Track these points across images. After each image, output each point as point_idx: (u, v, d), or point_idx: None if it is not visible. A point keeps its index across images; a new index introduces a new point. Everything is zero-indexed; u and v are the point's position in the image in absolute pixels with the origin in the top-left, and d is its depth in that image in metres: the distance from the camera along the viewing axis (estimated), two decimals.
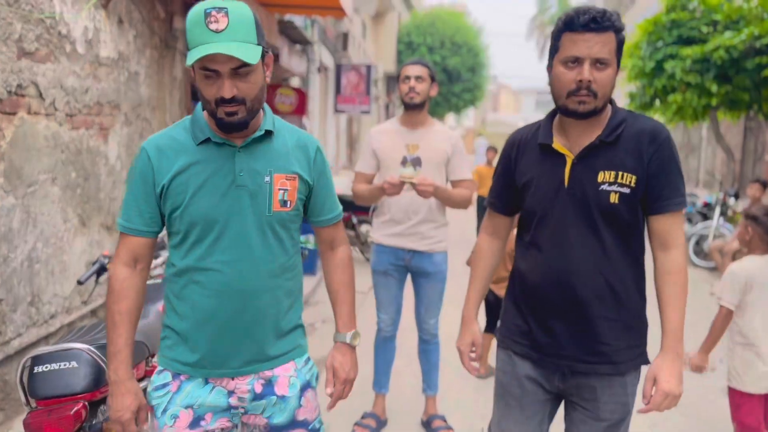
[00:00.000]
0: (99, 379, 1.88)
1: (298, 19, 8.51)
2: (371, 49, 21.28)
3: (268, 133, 1.55)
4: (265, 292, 1.56)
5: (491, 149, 8.35)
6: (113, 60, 3.69)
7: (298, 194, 1.58)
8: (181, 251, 1.54)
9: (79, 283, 2.44)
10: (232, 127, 1.46)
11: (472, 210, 8.19)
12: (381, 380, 3.17)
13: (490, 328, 3.86)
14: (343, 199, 7.17)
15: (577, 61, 1.52)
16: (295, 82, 9.16)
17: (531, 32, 45.94)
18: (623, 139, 1.59)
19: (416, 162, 2.94)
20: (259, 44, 1.44)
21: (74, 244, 3.35)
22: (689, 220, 8.36)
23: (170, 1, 4.48)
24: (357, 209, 6.54)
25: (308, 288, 5.46)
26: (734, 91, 8.83)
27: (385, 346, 3.12)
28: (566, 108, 1.58)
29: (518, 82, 54.34)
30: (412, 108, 2.93)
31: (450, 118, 30.94)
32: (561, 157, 1.63)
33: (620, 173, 1.58)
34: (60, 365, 1.85)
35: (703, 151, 16.93)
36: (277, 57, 6.52)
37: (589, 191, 1.59)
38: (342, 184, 9.27)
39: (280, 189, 1.55)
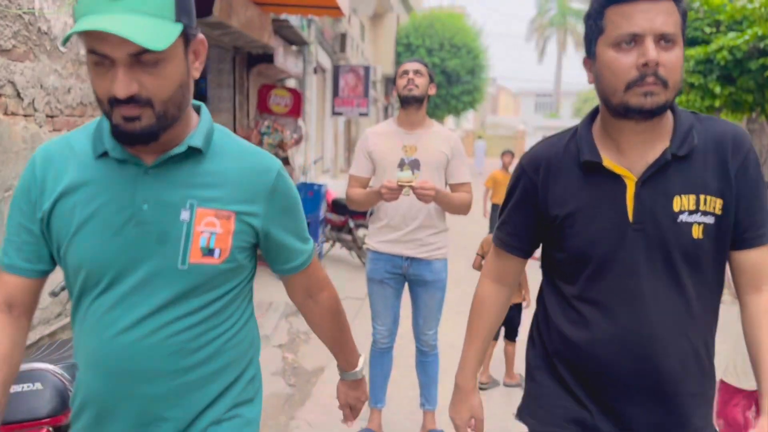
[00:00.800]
0: (66, 402, 1.73)
1: (294, 19, 8.38)
2: (369, 50, 21.17)
3: (194, 151, 1.11)
4: (169, 382, 1.12)
5: (507, 153, 7.69)
6: None
7: (235, 241, 1.14)
8: (75, 309, 1.17)
9: (53, 294, 2.28)
10: (133, 138, 1.03)
11: (476, 215, 8.04)
12: (377, 395, 3.02)
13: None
14: (340, 203, 7.00)
15: (635, 39, 1.14)
16: (291, 83, 9.02)
17: (530, 34, 45.98)
18: (698, 151, 1.22)
19: (414, 165, 2.79)
20: (178, 21, 1.01)
21: None
22: None
23: None
24: (354, 213, 6.40)
25: None
26: (738, 92, 8.70)
27: (381, 358, 2.96)
28: (627, 105, 1.17)
29: (517, 85, 54.27)
30: (410, 104, 2.79)
31: (449, 120, 30.83)
32: (618, 181, 1.23)
33: (702, 197, 1.20)
34: (23, 387, 1.70)
35: None
36: (272, 57, 6.39)
37: (664, 225, 1.21)
38: (340, 187, 9.14)
39: (203, 231, 1.10)
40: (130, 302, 1.09)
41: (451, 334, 4.34)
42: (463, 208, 2.81)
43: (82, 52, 3.41)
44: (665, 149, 1.22)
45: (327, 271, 5.41)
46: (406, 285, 2.93)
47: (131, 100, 1.00)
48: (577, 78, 59.58)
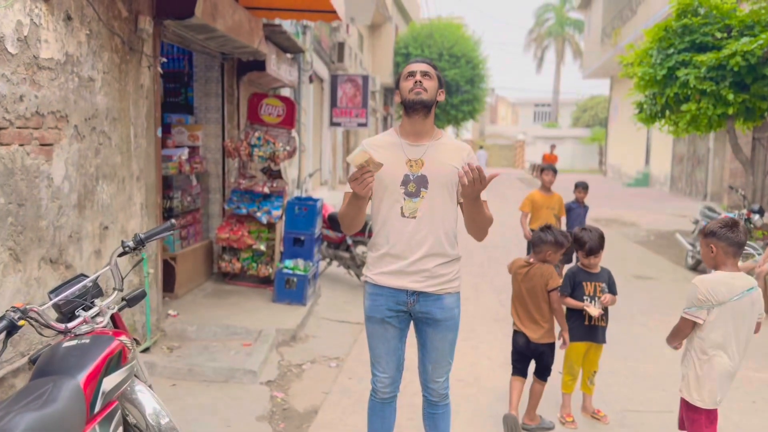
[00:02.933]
0: None
1: (288, 26, 7.99)
2: (368, 60, 20.85)
3: None
4: None
5: (549, 171, 5.89)
6: (59, 63, 3.13)
7: None
8: None
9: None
10: None
11: (511, 240, 7.29)
12: None
13: (519, 370, 3.36)
14: (337, 218, 6.51)
15: None
16: (286, 92, 8.62)
17: (528, 44, 45.78)
18: None
19: (421, 182, 2.37)
20: None
21: (4, 284, 2.76)
22: None
23: None
24: None
25: (296, 320, 4.85)
26: (752, 99, 8.32)
27: (382, 411, 2.52)
28: None
29: (515, 95, 54.05)
30: (416, 111, 2.37)
31: (449, 130, 30.51)
32: None
33: None
34: None
35: (710, 163, 16.43)
36: (263, 65, 5.98)
37: None
38: (337, 200, 8.71)
39: None
40: None
41: (468, 369, 3.88)
42: (488, 224, 2.39)
43: (44, 54, 3.00)
44: None
45: (323, 292, 4.93)
46: (412, 323, 2.49)
47: None
48: (576, 87, 59.35)
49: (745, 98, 8.34)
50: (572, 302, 3.45)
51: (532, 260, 3.36)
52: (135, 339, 2.36)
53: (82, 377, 1.82)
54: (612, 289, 3.51)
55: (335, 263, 6.71)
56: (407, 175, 2.38)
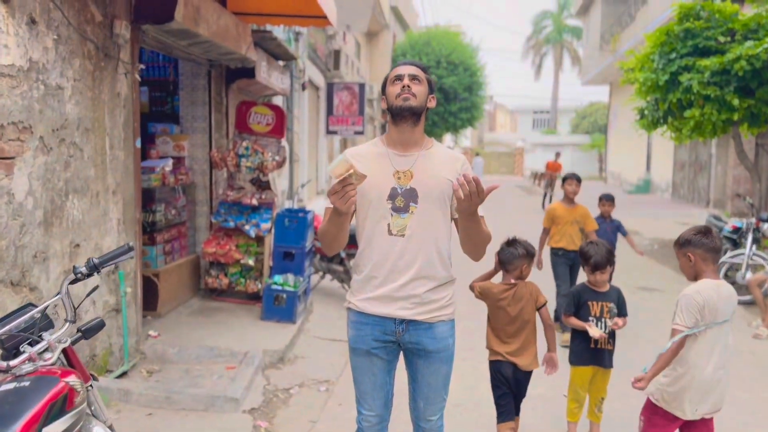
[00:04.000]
0: None
1: (279, 33, 7.79)
2: (365, 68, 20.69)
3: None
4: None
5: (572, 179, 5.19)
6: (21, 70, 2.90)
7: None
8: None
9: None
10: None
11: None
12: None
13: (508, 412, 2.95)
14: None
15: None
16: (279, 101, 8.41)
17: (526, 52, 45.71)
18: None
19: (410, 196, 2.13)
20: None
21: None
22: None
23: (110, 2, 3.71)
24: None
25: (284, 340, 4.60)
26: (758, 104, 8.11)
27: None
28: None
29: (514, 102, 53.97)
30: (404, 119, 2.14)
31: (447, 138, 30.33)
32: None
33: None
34: None
35: (713, 170, 16.20)
36: (253, 72, 5.76)
37: None
38: None
39: None
40: None
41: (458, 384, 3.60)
42: (487, 242, 2.15)
43: (3, 61, 2.77)
44: None
45: (315, 307, 4.63)
46: (401, 354, 2.25)
47: None
48: (574, 94, 59.34)
49: (751, 103, 8.13)
50: (576, 322, 3.20)
51: (512, 281, 3.00)
52: (92, 375, 2.11)
53: (16, 429, 1.58)
54: (622, 310, 3.25)
55: (328, 277, 6.46)
56: (395, 188, 2.14)
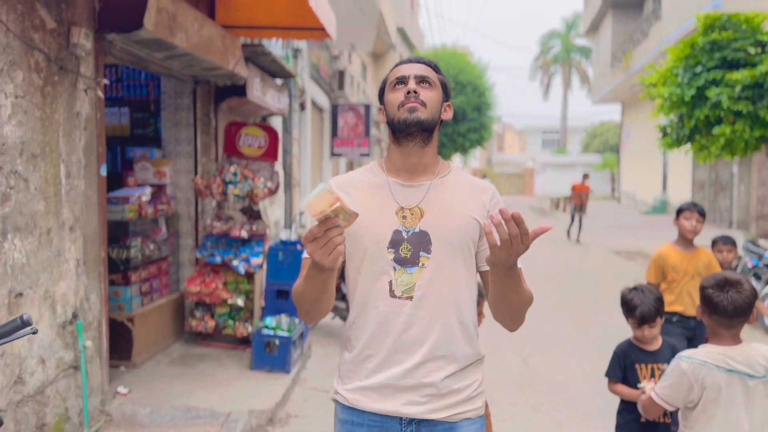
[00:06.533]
0: None
1: (276, 48, 7.29)
2: (372, 90, 20.29)
3: None
4: None
5: (690, 210, 3.64)
6: None
7: None
8: None
9: None
10: None
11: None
12: None
13: None
14: None
15: None
16: (278, 122, 7.89)
17: (534, 72, 45.39)
18: None
19: (420, 242, 1.54)
20: None
21: None
22: (757, 277, 6.85)
23: (66, 6, 3.18)
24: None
25: (276, 395, 3.96)
26: None
27: None
28: None
29: (523, 122, 53.62)
30: (410, 135, 1.56)
31: (456, 158, 29.81)
32: None
33: None
34: None
35: (735, 189, 15.50)
36: (243, 90, 5.23)
37: None
38: None
39: None
40: None
41: None
42: (527, 304, 1.53)
43: None
44: None
45: (314, 350, 3.94)
46: None
47: None
48: (584, 113, 58.86)
49: None
50: (625, 391, 2.57)
51: None
52: None
53: None
54: None
55: (330, 314, 5.83)
56: (399, 231, 1.54)
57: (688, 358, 2.07)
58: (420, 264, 1.53)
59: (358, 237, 1.55)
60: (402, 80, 1.58)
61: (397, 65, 1.63)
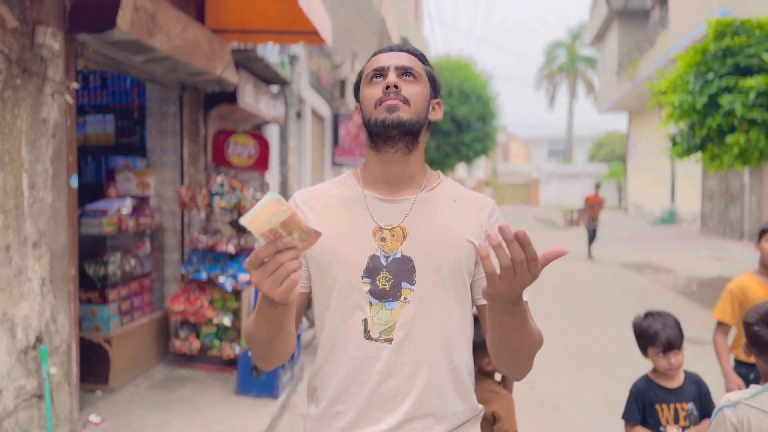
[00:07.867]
0: None
1: (270, 54, 7.06)
2: None
3: None
4: None
5: None
6: None
7: None
8: None
9: None
10: None
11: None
12: None
13: None
14: None
15: None
16: (274, 131, 7.64)
17: (539, 82, 45.17)
18: None
19: (401, 270, 1.26)
20: None
21: None
22: None
23: (31, 4, 2.93)
24: None
25: (262, 424, 3.67)
26: None
27: None
28: None
29: (528, 131, 53.45)
30: (391, 140, 1.28)
31: (461, 168, 29.56)
32: None
33: None
34: None
35: (746, 200, 15.13)
36: (234, 96, 4.98)
37: None
38: None
39: None
40: None
41: None
42: (536, 347, 1.24)
43: None
44: None
45: (306, 371, 3.57)
46: None
47: None
48: (589, 123, 58.49)
49: None
50: None
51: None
52: None
53: None
54: (707, 408, 2.29)
55: None
56: (376, 257, 1.26)
57: (733, 404, 1.77)
58: (401, 298, 1.24)
59: (325, 264, 1.26)
60: (380, 72, 1.30)
61: (374, 54, 1.35)
